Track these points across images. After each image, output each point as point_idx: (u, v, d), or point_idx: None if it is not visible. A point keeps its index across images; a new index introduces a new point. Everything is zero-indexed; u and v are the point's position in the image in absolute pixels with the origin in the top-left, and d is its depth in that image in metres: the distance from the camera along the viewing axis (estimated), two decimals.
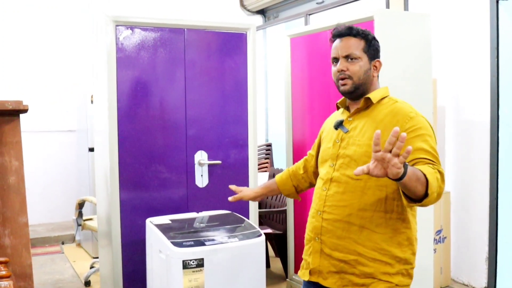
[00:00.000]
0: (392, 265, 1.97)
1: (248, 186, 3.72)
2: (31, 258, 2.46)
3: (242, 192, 2.50)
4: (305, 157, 2.46)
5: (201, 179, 3.58)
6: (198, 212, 3.31)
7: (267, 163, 6.37)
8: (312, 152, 2.40)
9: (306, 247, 2.15)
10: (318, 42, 3.79)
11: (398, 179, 1.65)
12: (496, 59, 3.95)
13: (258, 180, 3.86)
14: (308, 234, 2.13)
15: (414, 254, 2.04)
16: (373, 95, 2.06)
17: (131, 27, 3.35)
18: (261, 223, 4.69)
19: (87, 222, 4.52)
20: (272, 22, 6.87)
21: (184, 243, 2.64)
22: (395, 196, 1.95)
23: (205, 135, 3.60)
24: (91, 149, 5.11)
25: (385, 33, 3.21)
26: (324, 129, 2.30)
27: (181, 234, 2.79)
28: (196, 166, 3.57)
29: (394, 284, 1.97)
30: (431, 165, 1.82)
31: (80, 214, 4.54)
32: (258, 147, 6.29)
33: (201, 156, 3.58)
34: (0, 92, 5.66)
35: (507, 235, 3.98)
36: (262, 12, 7.02)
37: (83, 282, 4.45)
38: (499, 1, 3.93)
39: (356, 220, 1.97)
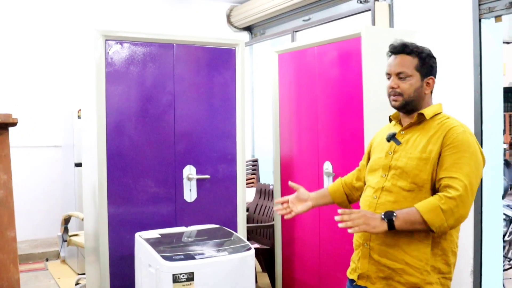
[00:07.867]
0: (431, 274, 2.03)
1: (236, 200, 3.73)
2: (19, 273, 2.42)
3: (301, 194, 2.35)
4: (357, 168, 2.48)
5: (190, 193, 3.58)
6: (187, 227, 3.30)
7: (253, 178, 6.38)
8: (363, 162, 2.43)
9: (355, 252, 2.21)
10: (305, 58, 3.83)
11: (389, 229, 1.92)
12: (479, 76, 4.01)
13: (246, 195, 3.87)
14: (356, 240, 2.19)
15: (448, 265, 2.09)
16: (427, 111, 2.12)
17: (121, 41, 3.36)
18: (248, 238, 4.66)
19: (73, 238, 4.46)
20: (258, 39, 6.92)
21: (174, 257, 2.64)
22: None
23: (193, 150, 3.61)
24: (78, 164, 5.08)
25: (372, 50, 3.26)
26: (374, 139, 2.36)
27: (171, 248, 2.78)
28: (185, 181, 3.57)
29: None
30: (442, 194, 1.92)
31: (65, 230, 4.49)
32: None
33: (189, 171, 3.58)
34: None
35: (491, 248, 4.00)
36: (248, 28, 7.07)
37: None
38: (482, 20, 4.01)
39: None
